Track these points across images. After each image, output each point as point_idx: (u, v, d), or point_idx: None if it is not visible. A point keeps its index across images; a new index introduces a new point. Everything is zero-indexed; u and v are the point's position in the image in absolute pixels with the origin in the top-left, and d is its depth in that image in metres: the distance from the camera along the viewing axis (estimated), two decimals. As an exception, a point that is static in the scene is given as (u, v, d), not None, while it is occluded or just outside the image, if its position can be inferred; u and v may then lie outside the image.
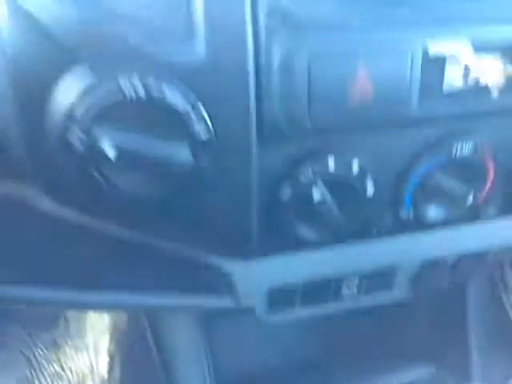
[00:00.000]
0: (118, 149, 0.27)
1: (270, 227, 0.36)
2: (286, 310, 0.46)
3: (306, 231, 0.37)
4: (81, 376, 0.79)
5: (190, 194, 0.30)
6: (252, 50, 0.27)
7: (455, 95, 0.30)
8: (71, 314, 0.80)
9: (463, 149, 0.35)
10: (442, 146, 0.34)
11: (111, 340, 0.77)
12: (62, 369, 0.80)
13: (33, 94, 0.26)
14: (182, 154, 0.28)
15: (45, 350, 0.79)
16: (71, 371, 0.80)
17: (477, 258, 0.48)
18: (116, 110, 0.27)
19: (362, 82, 0.28)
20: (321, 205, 0.34)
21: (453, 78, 0.30)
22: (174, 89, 0.26)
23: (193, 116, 0.27)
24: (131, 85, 0.26)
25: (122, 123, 0.27)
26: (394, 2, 0.27)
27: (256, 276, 0.41)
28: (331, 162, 0.33)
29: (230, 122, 0.29)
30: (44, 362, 0.80)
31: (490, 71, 0.30)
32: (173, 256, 0.36)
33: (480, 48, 0.29)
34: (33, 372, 0.78)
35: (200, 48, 0.26)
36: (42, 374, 0.79)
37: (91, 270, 0.38)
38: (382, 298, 0.49)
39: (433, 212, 0.39)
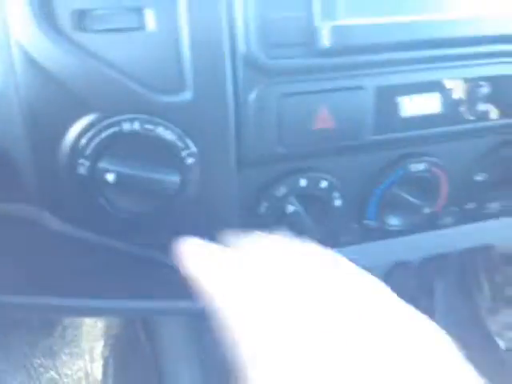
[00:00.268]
0: (117, 174, 0.31)
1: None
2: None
3: (282, 240, 0.41)
4: (76, 381, 0.82)
5: (178, 210, 0.35)
6: (232, 93, 0.32)
7: (406, 123, 0.36)
8: (67, 322, 0.83)
9: (418, 167, 0.40)
10: (399, 166, 0.39)
11: (105, 345, 0.80)
12: (59, 375, 0.82)
13: (45, 135, 0.31)
14: (171, 176, 0.32)
15: (42, 359, 0.82)
16: (67, 377, 0.83)
17: (440, 260, 0.53)
18: (115, 141, 0.31)
19: (324, 116, 0.33)
20: (294, 217, 0.39)
21: (403, 109, 0.35)
22: (163, 124, 0.31)
23: (180, 145, 0.32)
24: (128, 121, 0.31)
25: (120, 152, 0.32)
26: (348, 51, 0.32)
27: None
28: (303, 181, 0.38)
29: (213, 149, 0.33)
30: (41, 369, 0.82)
31: (432, 103, 0.35)
32: (163, 265, 0.40)
33: (421, 87, 0.35)
34: (30, 380, 0.81)
35: (188, 92, 0.31)
36: (39, 380, 0.82)
37: (90, 280, 0.42)
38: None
39: (394, 222, 0.43)
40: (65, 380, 0.82)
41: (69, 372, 0.82)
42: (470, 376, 0.24)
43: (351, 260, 0.47)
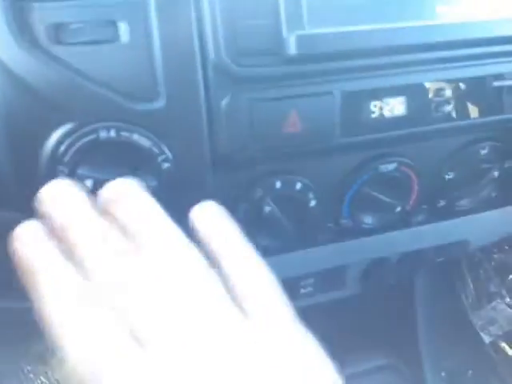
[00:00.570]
0: (95, 180, 0.33)
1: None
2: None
3: (261, 240, 0.42)
4: (66, 385, 0.83)
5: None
6: (204, 100, 0.33)
7: (373, 126, 0.37)
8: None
9: (388, 167, 0.42)
10: (370, 166, 0.41)
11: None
12: (49, 381, 0.83)
13: (24, 144, 0.32)
14: (147, 181, 0.34)
15: (32, 365, 0.82)
16: (58, 382, 0.83)
17: (417, 256, 0.55)
18: (92, 148, 0.33)
19: (294, 120, 0.35)
20: (272, 218, 0.41)
21: (369, 113, 0.37)
22: (139, 131, 0.32)
23: (155, 151, 0.33)
24: (105, 129, 0.32)
25: (98, 159, 0.33)
26: (314, 58, 0.34)
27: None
28: (278, 183, 0.40)
29: (188, 154, 0.35)
30: (31, 375, 0.83)
31: (398, 106, 0.37)
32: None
33: (387, 92, 0.37)
34: (21, 387, 0.82)
35: (162, 100, 0.32)
36: (30, 386, 0.82)
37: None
38: (336, 294, 0.55)
39: (368, 221, 0.45)
40: (55, 385, 0.83)
41: (59, 377, 0.83)
42: None
43: (331, 256, 0.49)
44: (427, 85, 0.38)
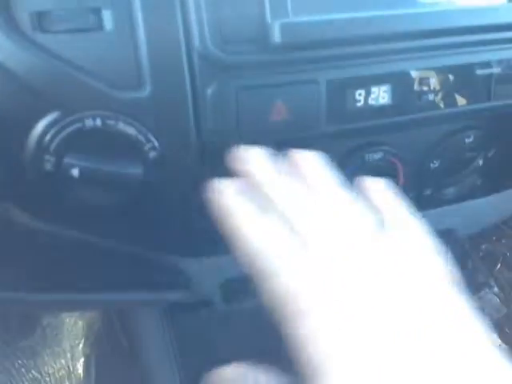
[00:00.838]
0: (82, 168, 0.33)
1: (216, 229, 0.42)
2: (239, 300, 0.52)
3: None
4: (58, 379, 0.83)
5: (144, 203, 0.36)
6: (189, 88, 0.33)
7: (358, 114, 0.37)
8: (47, 322, 0.84)
9: (374, 157, 0.42)
10: (355, 156, 0.41)
11: (86, 342, 0.81)
12: (40, 374, 0.83)
13: (10, 133, 0.32)
14: (134, 169, 0.34)
15: (23, 360, 0.83)
16: (49, 375, 0.83)
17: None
18: (78, 137, 0.33)
19: (280, 108, 0.35)
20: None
21: (355, 101, 0.37)
22: (124, 119, 0.33)
23: (141, 139, 0.33)
24: (90, 117, 0.32)
25: (84, 148, 0.33)
26: (299, 46, 0.34)
27: (210, 271, 0.46)
28: (265, 171, 0.40)
29: (174, 142, 0.35)
30: (23, 369, 0.83)
31: (382, 95, 0.37)
32: (133, 257, 0.42)
33: (372, 80, 0.37)
34: (13, 381, 0.82)
35: (147, 88, 0.32)
36: (22, 381, 0.82)
37: (63, 274, 0.43)
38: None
39: (355, 209, 0.46)
40: (47, 379, 0.83)
41: (51, 371, 0.83)
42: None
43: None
44: (412, 73, 0.38)
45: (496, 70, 0.41)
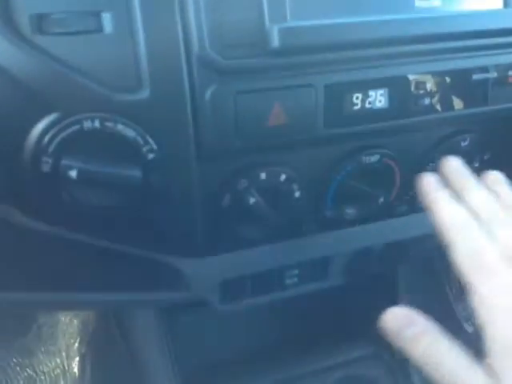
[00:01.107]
0: (79, 170, 0.33)
1: (214, 229, 0.42)
2: (237, 300, 0.52)
3: (246, 231, 0.43)
4: (54, 378, 0.83)
5: (143, 204, 0.36)
6: (188, 91, 0.33)
7: (355, 118, 0.38)
8: (42, 320, 0.84)
9: (371, 159, 0.42)
10: (353, 158, 0.42)
11: (81, 341, 0.81)
12: (36, 373, 0.83)
13: (9, 135, 0.32)
14: (132, 172, 0.34)
15: (19, 358, 0.83)
16: (44, 374, 0.83)
17: (399, 247, 0.55)
18: (76, 139, 0.33)
19: (277, 112, 0.35)
20: (256, 208, 0.41)
21: (352, 105, 0.37)
22: (123, 121, 0.33)
23: (140, 141, 0.34)
24: (89, 119, 0.32)
25: (82, 150, 0.33)
26: (297, 51, 0.34)
27: (206, 272, 0.47)
28: (262, 174, 0.40)
29: (173, 145, 0.35)
30: (18, 368, 0.83)
31: (379, 98, 0.38)
32: (131, 257, 0.42)
33: (369, 84, 0.37)
34: (8, 379, 0.82)
35: (146, 90, 0.33)
36: (17, 379, 0.82)
37: (61, 274, 0.43)
38: (320, 284, 0.56)
39: (352, 211, 0.46)
40: (42, 378, 0.83)
41: (46, 370, 0.83)
42: None
43: (315, 247, 0.50)
44: (409, 77, 0.38)
45: (492, 74, 0.41)
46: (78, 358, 0.81)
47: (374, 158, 0.42)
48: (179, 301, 0.48)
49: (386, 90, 0.38)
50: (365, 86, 0.37)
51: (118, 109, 0.33)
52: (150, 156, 0.34)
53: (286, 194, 0.42)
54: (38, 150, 0.33)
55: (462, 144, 0.45)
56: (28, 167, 0.33)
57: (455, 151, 0.45)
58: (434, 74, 0.39)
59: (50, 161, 0.33)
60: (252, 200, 0.40)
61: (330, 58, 0.35)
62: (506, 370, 0.28)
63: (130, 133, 0.33)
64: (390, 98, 0.38)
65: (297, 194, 0.42)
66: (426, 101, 0.39)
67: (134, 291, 0.46)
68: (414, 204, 0.48)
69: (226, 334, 0.69)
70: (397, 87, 0.38)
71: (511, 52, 0.42)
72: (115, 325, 0.67)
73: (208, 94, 0.34)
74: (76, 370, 0.81)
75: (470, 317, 0.73)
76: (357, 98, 0.37)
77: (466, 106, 0.41)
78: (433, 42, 0.37)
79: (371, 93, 0.37)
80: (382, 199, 0.45)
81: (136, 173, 0.34)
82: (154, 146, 0.34)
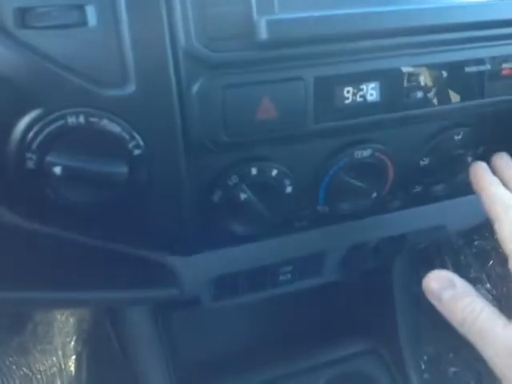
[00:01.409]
0: (64, 167, 0.32)
1: (205, 226, 0.42)
2: (229, 297, 0.52)
3: (237, 227, 0.42)
4: (50, 377, 0.82)
5: (130, 200, 0.36)
6: (175, 85, 0.33)
7: (346, 112, 0.37)
8: (38, 319, 0.83)
9: (363, 154, 0.42)
10: (344, 153, 0.41)
11: (77, 340, 0.81)
12: (32, 372, 0.83)
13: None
14: (118, 168, 0.33)
15: (15, 357, 0.82)
16: (40, 373, 0.83)
17: (394, 242, 0.55)
18: (61, 135, 0.32)
19: (266, 106, 0.34)
20: (247, 204, 0.40)
21: (342, 98, 0.37)
22: (108, 116, 0.32)
23: (126, 137, 0.33)
24: (73, 114, 0.32)
25: (67, 146, 0.32)
26: (285, 43, 0.34)
27: (198, 268, 0.46)
28: (253, 169, 0.39)
29: (160, 140, 0.34)
30: (14, 367, 0.82)
31: (371, 92, 0.37)
32: (122, 255, 0.42)
33: (359, 77, 0.36)
34: (3, 378, 0.81)
35: (131, 85, 0.32)
36: (13, 378, 0.82)
37: (48, 272, 0.43)
38: (315, 281, 0.55)
39: (345, 207, 0.45)
40: (38, 376, 0.82)
41: (42, 368, 0.83)
42: None
43: (309, 242, 0.49)
44: (401, 70, 0.37)
45: (486, 67, 0.41)
46: (74, 357, 0.81)
47: (367, 153, 0.42)
48: (171, 298, 0.48)
49: (378, 83, 0.37)
50: (356, 79, 0.36)
51: (103, 104, 0.32)
52: (137, 152, 0.34)
53: (278, 189, 0.41)
54: (21, 146, 0.32)
55: (456, 138, 0.44)
56: (12, 164, 0.32)
57: (449, 145, 0.45)
58: (426, 66, 0.38)
59: (34, 157, 0.32)
60: (243, 196, 0.40)
61: (320, 51, 0.35)
62: None
63: (115, 128, 0.32)
64: (382, 92, 0.37)
65: (289, 190, 0.41)
66: (419, 94, 0.39)
67: (125, 289, 0.46)
68: (407, 199, 0.48)
69: (222, 331, 0.69)
70: (389, 80, 0.37)
71: (506, 44, 0.41)
72: (110, 323, 0.67)
73: (195, 88, 0.33)
74: (72, 368, 0.81)
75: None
76: (348, 91, 0.36)
77: (459, 100, 0.41)
78: (426, 33, 0.37)
79: (362, 86, 0.36)
80: (375, 194, 0.45)
81: (122, 169, 0.33)
82: (141, 142, 0.34)
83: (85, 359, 0.79)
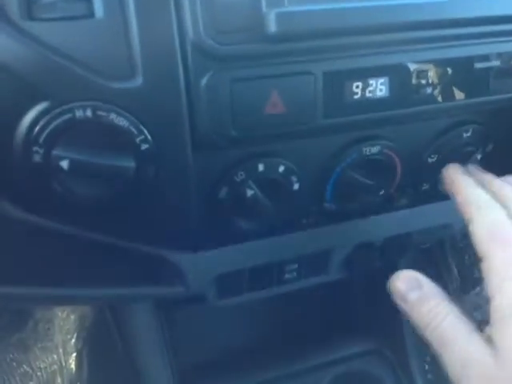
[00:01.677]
0: (71, 161, 0.32)
1: (211, 223, 0.41)
2: (234, 295, 0.51)
3: (244, 224, 0.42)
4: (50, 374, 0.82)
5: (137, 196, 0.35)
6: (183, 79, 0.32)
7: (355, 107, 0.37)
8: (39, 316, 0.83)
9: (371, 150, 0.41)
10: (353, 149, 0.41)
11: (78, 338, 0.80)
12: (32, 369, 0.83)
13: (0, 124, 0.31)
14: (126, 162, 0.33)
15: (14, 353, 0.82)
16: (41, 370, 0.83)
17: (401, 241, 0.55)
18: (68, 128, 0.32)
19: (275, 101, 0.34)
20: (254, 201, 0.40)
21: (352, 93, 0.36)
22: (116, 110, 0.32)
23: (133, 131, 0.33)
24: (81, 108, 0.31)
25: (74, 139, 0.32)
26: (295, 36, 0.33)
27: (203, 266, 0.46)
28: (260, 165, 0.39)
29: (167, 134, 0.34)
30: (14, 364, 0.82)
31: (380, 87, 0.36)
32: (126, 251, 0.41)
33: (369, 72, 0.36)
34: (4, 375, 0.81)
35: (139, 78, 0.32)
36: (13, 375, 0.82)
37: (53, 268, 0.42)
38: (320, 279, 0.55)
39: (352, 204, 0.45)
40: (38, 374, 0.82)
41: (43, 366, 0.82)
42: None
43: (315, 241, 0.49)
44: (411, 65, 0.37)
45: (495, 63, 0.40)
46: (74, 354, 0.81)
47: (375, 149, 0.41)
48: (175, 295, 0.47)
49: (387, 78, 0.36)
50: (365, 74, 0.36)
51: (110, 97, 0.32)
52: (144, 146, 0.33)
53: (285, 186, 0.41)
54: (28, 139, 0.31)
55: (465, 135, 0.44)
56: (18, 157, 0.32)
57: (457, 142, 0.44)
58: (436, 62, 0.38)
59: (41, 151, 0.32)
60: (250, 192, 0.39)
61: (330, 45, 0.34)
62: (504, 338, 0.29)
63: (123, 122, 0.32)
64: (391, 87, 0.37)
65: (296, 186, 0.41)
66: (428, 90, 0.38)
67: (129, 285, 0.46)
68: (414, 197, 0.48)
69: (223, 331, 0.68)
70: (398, 76, 0.37)
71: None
72: (112, 321, 0.67)
73: (203, 81, 0.33)
74: (73, 365, 0.81)
75: (471, 312, 0.73)
76: (357, 86, 0.36)
77: (469, 96, 0.40)
78: (437, 28, 0.36)
79: (372, 81, 0.36)
80: (382, 191, 0.44)
81: (129, 163, 0.33)
82: (148, 136, 0.33)
83: (85, 357, 0.78)
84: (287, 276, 0.53)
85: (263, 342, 0.68)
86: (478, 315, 0.72)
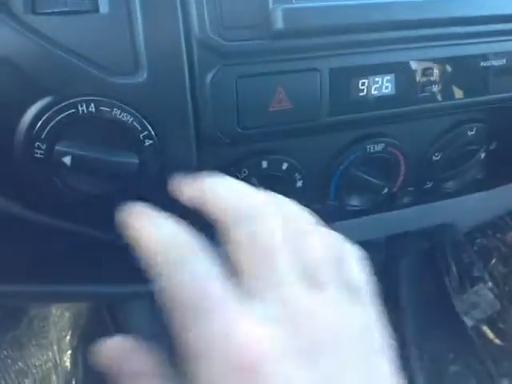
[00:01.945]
0: (74, 156, 0.31)
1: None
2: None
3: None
4: (45, 372, 0.82)
5: (139, 192, 0.35)
6: (187, 75, 0.32)
7: (361, 104, 0.36)
8: (34, 313, 0.82)
9: (376, 148, 0.41)
10: (357, 147, 0.40)
11: (73, 335, 0.80)
12: (27, 366, 0.82)
13: (1, 119, 0.30)
14: (129, 158, 0.32)
15: (10, 351, 0.81)
16: (36, 368, 0.82)
17: (404, 239, 0.55)
18: (71, 124, 0.31)
19: (281, 97, 0.34)
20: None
21: (358, 91, 0.36)
22: (119, 105, 0.31)
23: (137, 127, 0.32)
24: (84, 103, 0.31)
25: (77, 135, 0.31)
26: (301, 33, 0.33)
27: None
28: (264, 162, 0.39)
29: (171, 131, 0.33)
30: (9, 361, 0.82)
31: (386, 84, 0.36)
32: (126, 249, 0.41)
33: (375, 69, 0.36)
34: (-1, 372, 0.81)
35: (143, 73, 0.31)
36: (8, 372, 0.81)
37: (53, 265, 0.42)
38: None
39: (355, 202, 0.45)
40: (34, 371, 0.82)
41: (38, 363, 0.82)
42: None
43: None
44: (417, 63, 0.37)
45: (495, 62, 0.40)
46: (69, 352, 0.80)
47: (379, 147, 0.41)
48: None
49: (393, 75, 0.36)
50: (371, 71, 0.36)
51: (114, 93, 0.31)
52: (148, 142, 0.33)
53: (288, 183, 0.40)
54: (30, 135, 0.31)
55: (469, 133, 0.43)
56: (20, 153, 0.31)
57: (461, 141, 0.44)
58: (442, 60, 0.38)
59: (44, 146, 0.31)
60: (252, 189, 0.39)
61: (336, 41, 0.34)
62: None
63: (126, 118, 0.31)
64: (397, 84, 0.36)
65: (299, 184, 0.41)
66: (433, 88, 0.38)
67: (127, 283, 0.45)
68: (418, 195, 0.47)
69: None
70: (404, 73, 0.37)
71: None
72: (109, 318, 0.66)
73: (208, 77, 0.32)
74: (68, 363, 0.80)
75: (470, 311, 0.73)
76: (363, 83, 0.35)
77: (469, 95, 0.40)
78: (444, 26, 0.36)
79: (377, 78, 0.36)
80: (385, 190, 0.44)
81: (133, 159, 0.33)
82: (152, 132, 0.33)
83: (81, 354, 0.78)
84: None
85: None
86: (476, 314, 0.72)
